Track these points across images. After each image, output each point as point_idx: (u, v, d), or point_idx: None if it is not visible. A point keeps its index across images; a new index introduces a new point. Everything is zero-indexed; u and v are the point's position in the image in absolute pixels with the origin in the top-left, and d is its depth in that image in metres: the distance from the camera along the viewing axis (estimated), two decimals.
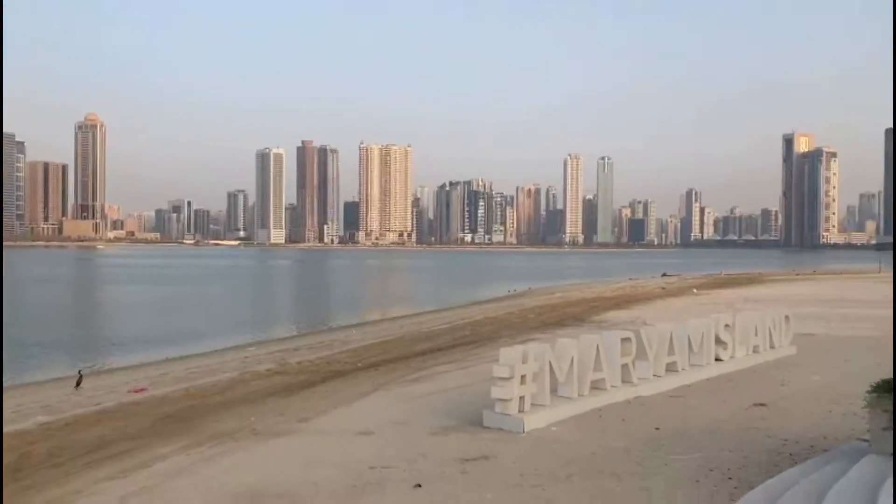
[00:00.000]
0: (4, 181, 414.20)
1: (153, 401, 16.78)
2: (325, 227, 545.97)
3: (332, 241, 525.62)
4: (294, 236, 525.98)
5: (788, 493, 7.48)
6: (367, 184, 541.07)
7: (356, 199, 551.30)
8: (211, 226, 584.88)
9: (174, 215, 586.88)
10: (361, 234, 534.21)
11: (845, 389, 14.06)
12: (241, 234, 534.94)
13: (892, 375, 8.63)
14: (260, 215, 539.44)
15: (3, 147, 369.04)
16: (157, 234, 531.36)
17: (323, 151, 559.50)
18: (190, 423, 13.71)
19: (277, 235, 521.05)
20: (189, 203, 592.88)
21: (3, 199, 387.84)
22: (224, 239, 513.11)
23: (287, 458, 10.72)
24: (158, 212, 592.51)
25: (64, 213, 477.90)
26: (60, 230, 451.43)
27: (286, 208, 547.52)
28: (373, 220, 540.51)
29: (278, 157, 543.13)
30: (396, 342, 27.12)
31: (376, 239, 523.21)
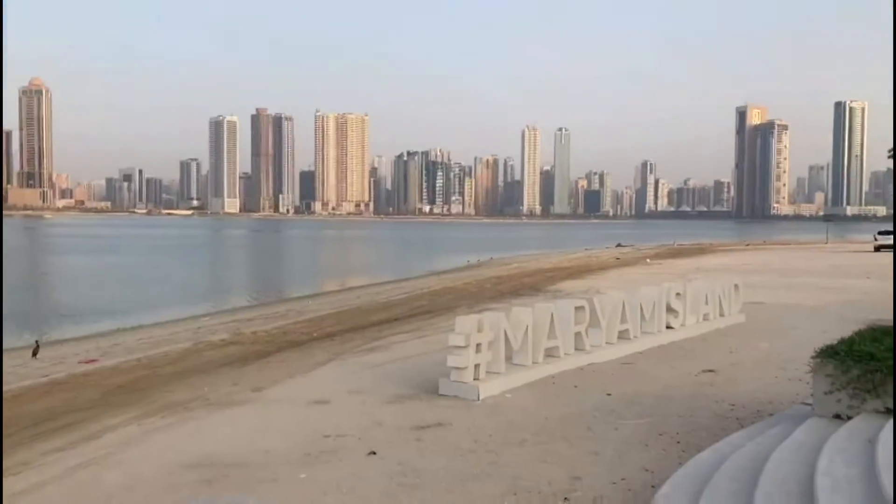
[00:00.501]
0: None
1: (104, 372, 16.53)
2: (281, 196, 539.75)
3: (287, 210, 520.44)
4: (249, 206, 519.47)
5: (734, 456, 7.69)
6: (323, 153, 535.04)
7: (312, 169, 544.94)
8: (163, 195, 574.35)
9: (125, 184, 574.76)
10: (318, 204, 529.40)
11: (791, 356, 14.45)
12: (195, 203, 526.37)
13: (834, 342, 8.89)
14: (214, 184, 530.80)
15: None
16: (108, 204, 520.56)
17: (278, 119, 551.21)
18: (141, 394, 13.55)
19: (231, 205, 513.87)
20: (141, 172, 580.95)
21: None
22: (177, 208, 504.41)
23: (240, 428, 10.67)
24: (109, 181, 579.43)
25: (9, 181, 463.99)
26: (5, 199, 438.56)
27: (240, 177, 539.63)
28: (329, 189, 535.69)
29: (232, 124, 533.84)
30: (353, 312, 27.04)
31: (333, 209, 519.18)
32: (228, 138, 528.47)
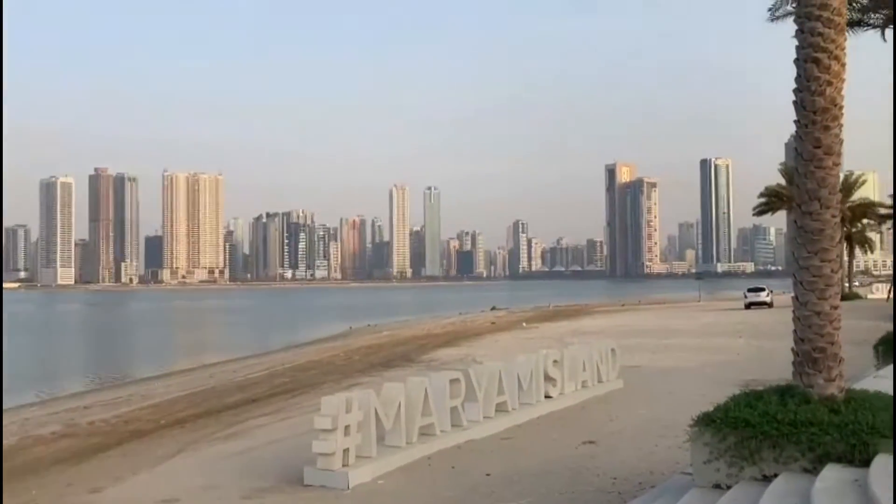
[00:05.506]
0: None
1: None
2: (123, 264, 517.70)
3: (131, 280, 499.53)
4: (86, 276, 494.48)
5: None
6: (171, 216, 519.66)
7: (159, 234, 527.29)
8: None
9: None
10: (166, 273, 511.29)
11: (670, 421, 14.98)
12: (22, 274, 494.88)
13: (711, 407, 9.31)
14: (45, 253, 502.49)
15: None
16: None
17: (120, 180, 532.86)
18: None
19: (66, 275, 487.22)
20: None
21: None
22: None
23: None
24: None
25: None
26: None
27: (76, 244, 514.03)
28: (179, 256, 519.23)
29: (66, 186, 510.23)
30: (206, 394, 26.13)
31: (183, 277, 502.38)
32: (62, 201, 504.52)
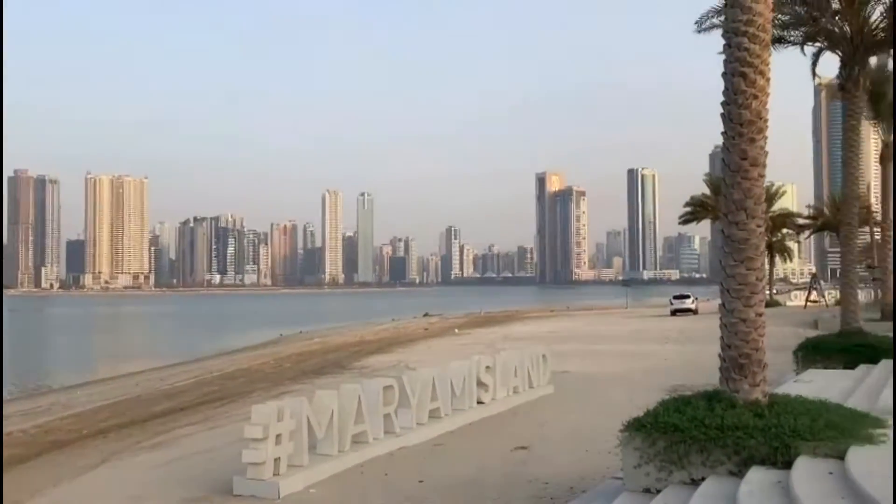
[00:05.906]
0: None
1: None
2: (44, 269, 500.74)
3: (51, 285, 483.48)
4: (4, 281, 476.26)
5: None
6: (94, 220, 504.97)
7: (82, 238, 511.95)
8: None
9: None
10: (88, 278, 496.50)
11: (600, 426, 15.18)
12: None
13: (640, 412, 9.49)
14: None
15: None
16: None
17: (41, 181, 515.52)
18: None
19: None
20: None
21: None
22: None
23: None
24: None
25: None
26: None
27: None
28: (102, 260, 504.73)
29: None
30: (131, 403, 25.43)
31: (106, 282, 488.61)
32: None
